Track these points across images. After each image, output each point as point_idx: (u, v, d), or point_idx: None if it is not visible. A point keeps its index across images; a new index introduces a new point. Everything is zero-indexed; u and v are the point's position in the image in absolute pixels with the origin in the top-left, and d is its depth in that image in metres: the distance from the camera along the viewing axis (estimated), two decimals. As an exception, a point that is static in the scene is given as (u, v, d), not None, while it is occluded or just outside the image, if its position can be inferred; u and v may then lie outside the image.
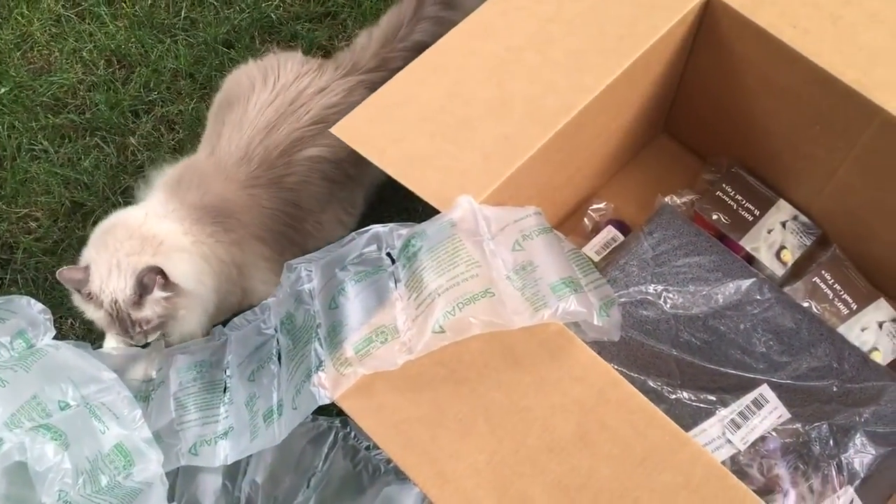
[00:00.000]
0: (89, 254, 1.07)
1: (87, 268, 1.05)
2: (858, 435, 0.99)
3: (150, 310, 1.05)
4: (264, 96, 1.15)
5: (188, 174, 1.14)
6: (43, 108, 1.43)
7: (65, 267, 1.05)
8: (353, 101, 1.13)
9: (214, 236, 1.10)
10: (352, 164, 1.16)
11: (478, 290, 0.79)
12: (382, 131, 0.94)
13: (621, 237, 1.17)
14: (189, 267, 1.07)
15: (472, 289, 0.79)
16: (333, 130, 0.94)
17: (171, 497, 1.06)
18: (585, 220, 1.21)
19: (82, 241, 1.29)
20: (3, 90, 1.44)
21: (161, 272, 1.03)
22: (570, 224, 1.22)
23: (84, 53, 1.48)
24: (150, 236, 1.06)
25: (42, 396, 0.95)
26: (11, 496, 1.00)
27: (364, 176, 1.21)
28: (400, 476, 1.05)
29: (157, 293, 1.04)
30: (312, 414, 1.10)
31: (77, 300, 1.08)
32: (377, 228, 0.88)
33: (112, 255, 1.04)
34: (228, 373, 1.03)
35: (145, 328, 1.06)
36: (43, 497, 0.88)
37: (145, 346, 1.10)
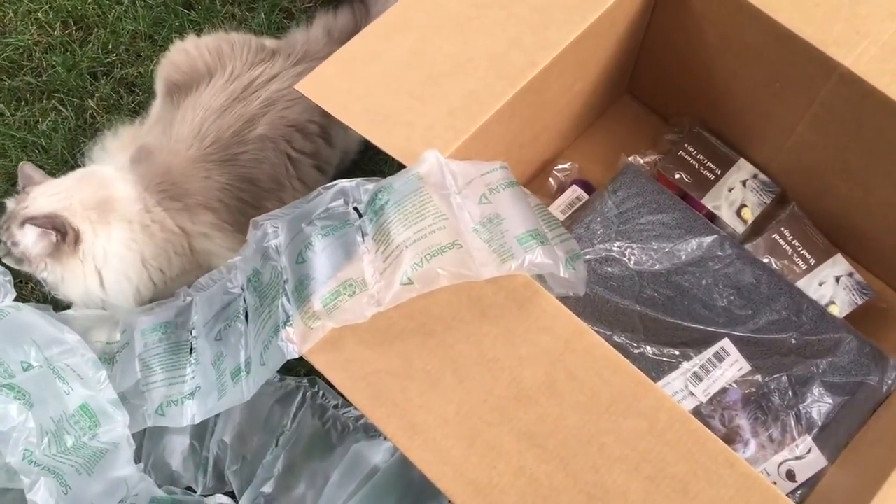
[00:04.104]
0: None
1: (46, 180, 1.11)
2: (816, 385, 1.02)
3: (28, 240, 1.06)
4: (219, 83, 1.18)
5: (143, 148, 1.15)
6: (-3, 71, 1.40)
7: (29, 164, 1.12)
8: None
9: (162, 204, 1.11)
10: (287, 141, 1.18)
11: (445, 242, 0.79)
12: (347, 88, 0.93)
13: (586, 196, 1.18)
14: (121, 253, 1.10)
15: (440, 241, 0.79)
16: (298, 87, 0.93)
17: (137, 458, 1.06)
18: (550, 179, 1.21)
19: (41, 205, 1.28)
20: (-46, 52, 1.41)
21: (65, 233, 1.05)
22: (535, 184, 1.22)
23: (39, 15, 1.44)
24: (108, 200, 1.09)
25: (4, 357, 0.93)
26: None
27: (313, 155, 1.21)
28: (369, 433, 1.06)
29: (39, 241, 1.05)
30: (280, 374, 1.10)
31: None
32: (343, 183, 0.87)
33: (65, 192, 1.08)
34: (194, 333, 1.02)
35: (12, 249, 1.07)
36: (7, 457, 0.87)
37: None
